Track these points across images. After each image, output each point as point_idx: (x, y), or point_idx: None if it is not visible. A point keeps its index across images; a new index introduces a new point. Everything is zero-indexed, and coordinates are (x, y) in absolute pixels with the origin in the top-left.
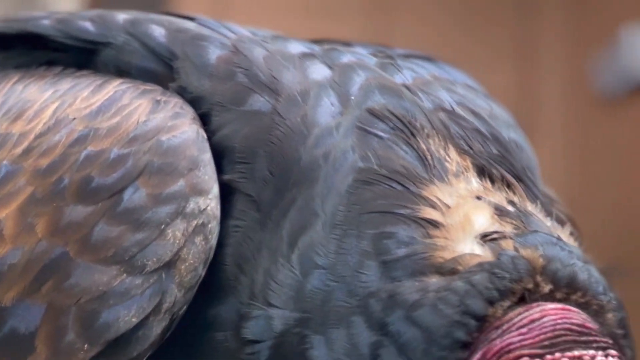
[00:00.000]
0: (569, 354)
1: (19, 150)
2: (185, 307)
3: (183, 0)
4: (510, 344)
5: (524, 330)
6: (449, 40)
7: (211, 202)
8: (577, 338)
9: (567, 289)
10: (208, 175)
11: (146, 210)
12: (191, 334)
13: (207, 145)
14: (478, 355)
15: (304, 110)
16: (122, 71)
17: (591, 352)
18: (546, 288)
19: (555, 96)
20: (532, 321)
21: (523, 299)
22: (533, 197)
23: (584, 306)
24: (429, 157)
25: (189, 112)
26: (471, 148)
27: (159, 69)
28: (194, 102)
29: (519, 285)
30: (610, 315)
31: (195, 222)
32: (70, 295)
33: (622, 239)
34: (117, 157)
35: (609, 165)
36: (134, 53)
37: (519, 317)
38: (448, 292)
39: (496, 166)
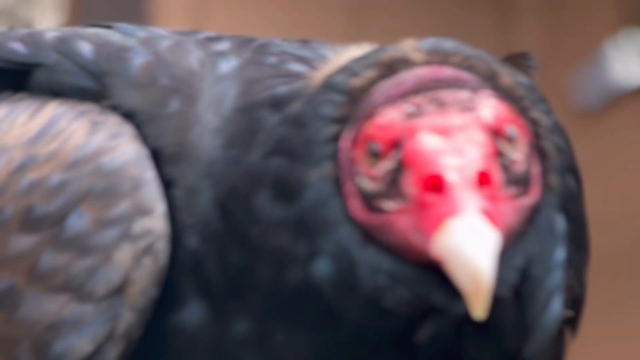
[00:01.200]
0: (426, 95)
1: None
2: (140, 329)
3: (161, 7)
4: (375, 104)
5: (391, 90)
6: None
7: (158, 221)
8: (441, 85)
9: (443, 54)
10: (152, 193)
11: (91, 235)
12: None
13: (148, 163)
14: (352, 126)
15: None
16: (56, 92)
17: (454, 90)
18: (418, 56)
19: None
20: (400, 83)
21: (393, 70)
22: None
23: (470, 70)
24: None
25: (127, 130)
26: None
27: (92, 86)
28: (128, 116)
29: (387, 55)
30: (506, 79)
31: (142, 242)
32: (22, 326)
33: (599, 248)
34: (58, 184)
35: (586, 178)
36: (66, 73)
37: (387, 83)
38: (316, 88)
39: None
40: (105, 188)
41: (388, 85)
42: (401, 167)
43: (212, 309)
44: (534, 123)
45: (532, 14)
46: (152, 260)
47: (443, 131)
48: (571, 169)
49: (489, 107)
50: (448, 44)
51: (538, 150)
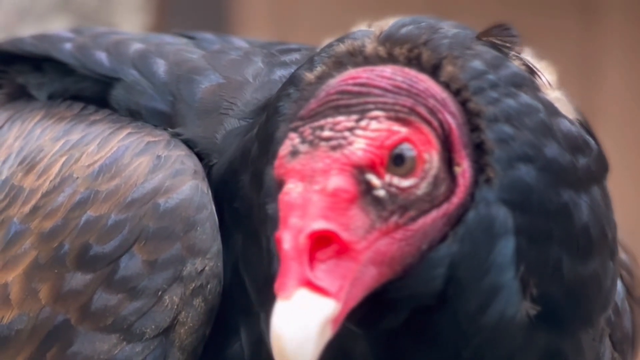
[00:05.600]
0: (315, 123)
1: (27, 208)
2: None
3: (244, 10)
4: (299, 116)
5: (314, 100)
6: None
7: (210, 262)
8: (342, 102)
9: (390, 43)
10: (206, 234)
11: (143, 277)
12: None
13: (207, 200)
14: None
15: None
16: (133, 111)
17: (341, 117)
18: (370, 46)
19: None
20: (322, 90)
21: (342, 65)
22: None
23: (414, 61)
24: None
25: (189, 166)
26: None
27: (166, 110)
28: (190, 142)
29: (341, 48)
30: (450, 68)
31: (193, 284)
32: None
33: None
34: (114, 224)
35: None
36: (143, 94)
37: (324, 86)
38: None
39: None
40: (159, 230)
41: (320, 90)
42: None
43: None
44: (474, 115)
45: (616, 13)
46: (202, 300)
47: (306, 177)
48: (526, 158)
49: (365, 138)
50: (405, 30)
51: (478, 144)
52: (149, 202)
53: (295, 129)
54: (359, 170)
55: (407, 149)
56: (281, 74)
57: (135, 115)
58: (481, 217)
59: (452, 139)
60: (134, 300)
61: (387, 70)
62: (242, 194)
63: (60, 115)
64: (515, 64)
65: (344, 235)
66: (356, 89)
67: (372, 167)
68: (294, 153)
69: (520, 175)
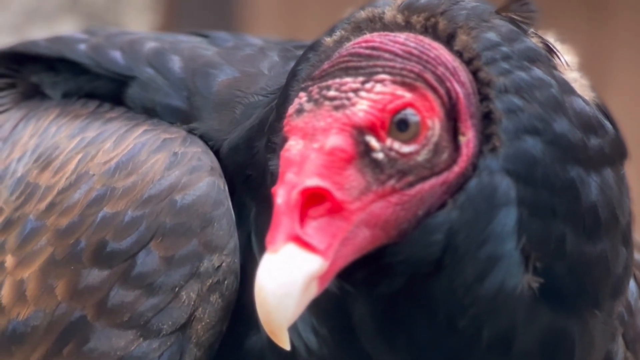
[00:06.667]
0: (322, 83)
1: (43, 205)
2: None
3: (253, 9)
4: (311, 76)
5: (327, 61)
6: None
7: (227, 258)
8: (351, 64)
9: (409, 11)
10: (223, 230)
11: (160, 273)
12: None
13: (223, 197)
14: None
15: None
16: (148, 109)
17: (347, 78)
18: (389, 14)
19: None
20: (340, 51)
21: (360, 30)
22: None
23: (430, 30)
24: None
25: (205, 162)
26: None
27: (181, 105)
28: (206, 135)
29: (362, 14)
30: (464, 37)
31: (210, 281)
32: (90, 358)
33: None
34: (131, 220)
35: None
36: (158, 91)
37: (342, 48)
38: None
39: None
40: (176, 226)
41: (338, 52)
42: None
43: None
44: (484, 85)
45: (625, 12)
46: (219, 296)
47: (307, 135)
48: (534, 130)
49: (369, 100)
50: (425, 0)
51: (486, 114)
52: (166, 199)
53: (305, 89)
54: (359, 131)
55: (411, 114)
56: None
57: (150, 112)
58: (483, 185)
59: (459, 108)
60: (151, 296)
61: (401, 36)
62: (256, 160)
63: (75, 113)
64: (532, 40)
65: (338, 194)
66: (367, 51)
67: (373, 130)
68: (300, 111)
69: (526, 147)
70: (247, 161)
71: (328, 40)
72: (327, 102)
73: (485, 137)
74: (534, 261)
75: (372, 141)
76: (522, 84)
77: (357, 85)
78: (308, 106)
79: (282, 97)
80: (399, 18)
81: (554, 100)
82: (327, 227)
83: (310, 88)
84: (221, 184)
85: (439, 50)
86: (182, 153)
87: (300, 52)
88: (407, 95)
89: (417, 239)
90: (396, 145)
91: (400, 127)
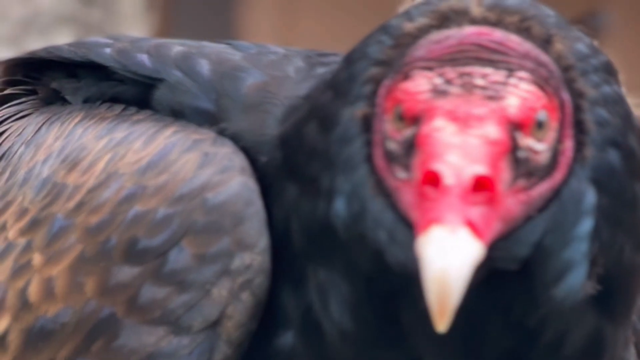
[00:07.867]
0: (459, 68)
1: (71, 204)
2: None
3: (250, 21)
4: (415, 58)
5: (434, 46)
6: None
7: (258, 257)
8: (482, 55)
9: (500, 10)
10: (254, 229)
11: (191, 271)
12: None
13: (254, 197)
14: (393, 72)
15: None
16: (176, 111)
17: (489, 69)
18: (477, 10)
19: None
20: (447, 37)
21: (447, 21)
22: None
23: (524, 33)
24: None
25: (236, 162)
26: None
27: (209, 108)
28: (236, 136)
29: (446, 5)
30: (559, 46)
31: (241, 278)
32: (120, 355)
33: None
34: (163, 218)
35: None
36: (186, 93)
37: (436, 35)
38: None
39: None
40: (208, 224)
41: (435, 39)
42: (415, 144)
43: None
44: (577, 95)
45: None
46: (250, 294)
47: (460, 120)
48: (615, 144)
49: (518, 96)
50: (513, 1)
51: (576, 123)
52: (198, 197)
53: (429, 69)
54: (513, 126)
55: (546, 115)
56: (322, 70)
57: (177, 115)
58: (574, 192)
59: (565, 116)
60: (182, 293)
61: (513, 36)
62: (304, 143)
63: (101, 115)
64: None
65: (498, 184)
66: (493, 45)
67: (523, 126)
68: (441, 92)
69: (610, 159)
70: (296, 149)
71: (409, 25)
72: (478, 90)
73: (576, 146)
74: (598, 268)
75: (520, 137)
76: (608, 98)
77: (502, 78)
78: (453, 89)
79: (347, 76)
80: (490, 16)
81: (628, 115)
82: (486, 216)
83: (440, 70)
84: (252, 184)
85: (546, 57)
86: (213, 153)
87: (324, 59)
88: (544, 96)
89: (522, 238)
90: (533, 144)
91: (540, 126)
